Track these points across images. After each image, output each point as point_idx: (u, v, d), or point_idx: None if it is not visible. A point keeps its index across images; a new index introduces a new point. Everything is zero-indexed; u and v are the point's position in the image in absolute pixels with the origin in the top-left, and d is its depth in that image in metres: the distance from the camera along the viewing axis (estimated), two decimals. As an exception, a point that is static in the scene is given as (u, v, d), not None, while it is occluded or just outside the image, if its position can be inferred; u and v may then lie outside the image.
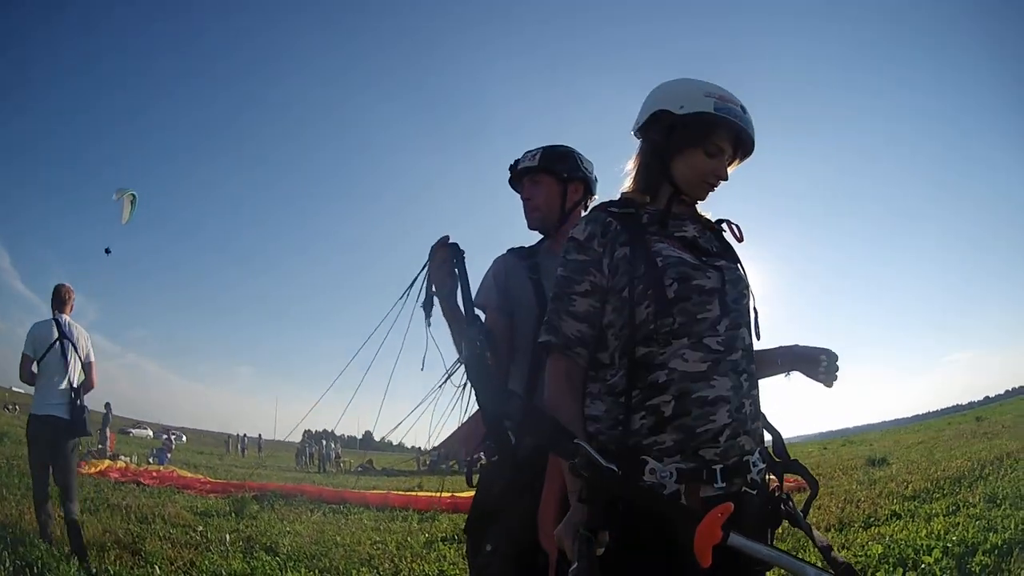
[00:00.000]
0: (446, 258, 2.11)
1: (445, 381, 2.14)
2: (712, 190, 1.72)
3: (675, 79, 1.74)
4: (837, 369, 1.73)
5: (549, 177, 2.22)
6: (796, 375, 1.80)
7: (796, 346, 1.80)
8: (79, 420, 5.00)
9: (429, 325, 2.12)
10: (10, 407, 36.53)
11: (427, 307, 2.12)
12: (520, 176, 2.27)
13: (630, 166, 1.80)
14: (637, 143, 1.79)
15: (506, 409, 1.52)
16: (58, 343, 5.04)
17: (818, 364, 1.73)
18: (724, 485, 1.46)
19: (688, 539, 1.22)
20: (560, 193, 2.22)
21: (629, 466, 1.43)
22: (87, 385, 5.19)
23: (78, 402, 5.02)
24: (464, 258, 2.13)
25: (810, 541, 1.53)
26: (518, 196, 2.33)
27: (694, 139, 1.65)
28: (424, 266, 2.14)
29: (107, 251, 16.40)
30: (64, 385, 5.00)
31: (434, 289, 2.11)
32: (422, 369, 2.16)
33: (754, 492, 1.51)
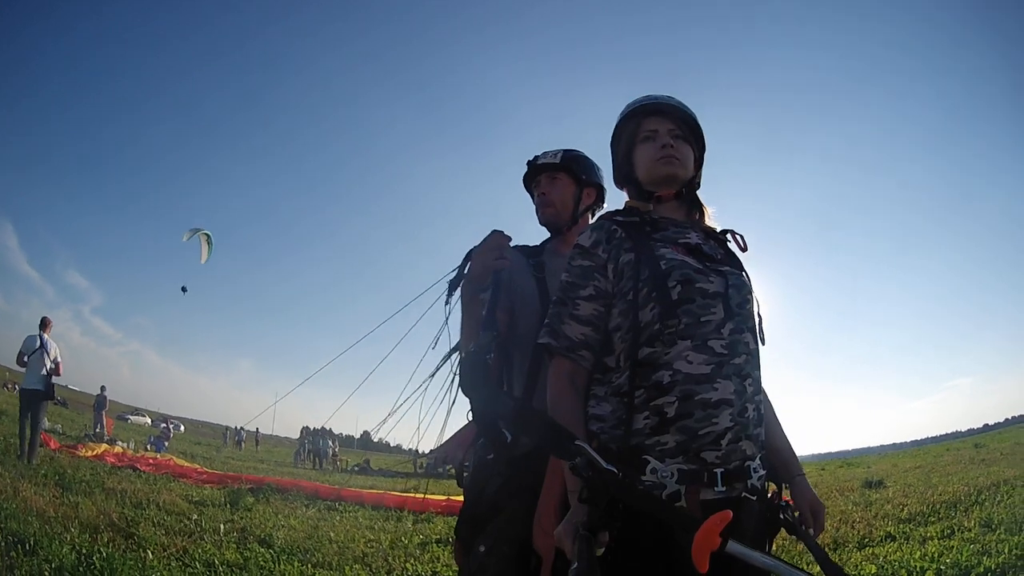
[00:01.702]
0: (504, 246, 2.04)
1: (436, 371, 2.13)
2: (672, 162, 1.75)
3: None
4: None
5: (567, 176, 2.25)
6: None
7: (808, 492, 1.77)
8: (49, 391, 9.42)
9: (448, 303, 2.09)
10: (9, 386, 36.83)
11: (453, 286, 2.08)
12: (537, 172, 2.29)
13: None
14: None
15: (499, 410, 1.52)
16: (39, 350, 9.21)
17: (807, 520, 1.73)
18: (724, 489, 1.47)
19: (686, 545, 1.23)
20: (575, 194, 2.25)
21: (630, 465, 1.44)
22: (55, 372, 9.38)
23: (49, 380, 9.29)
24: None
25: (809, 550, 1.52)
26: (526, 198, 2.35)
27: (627, 140, 1.82)
28: (469, 254, 2.06)
29: (183, 289, 17.66)
30: (42, 372, 9.19)
31: (467, 271, 2.05)
32: (433, 347, 2.14)
33: (754, 498, 1.52)
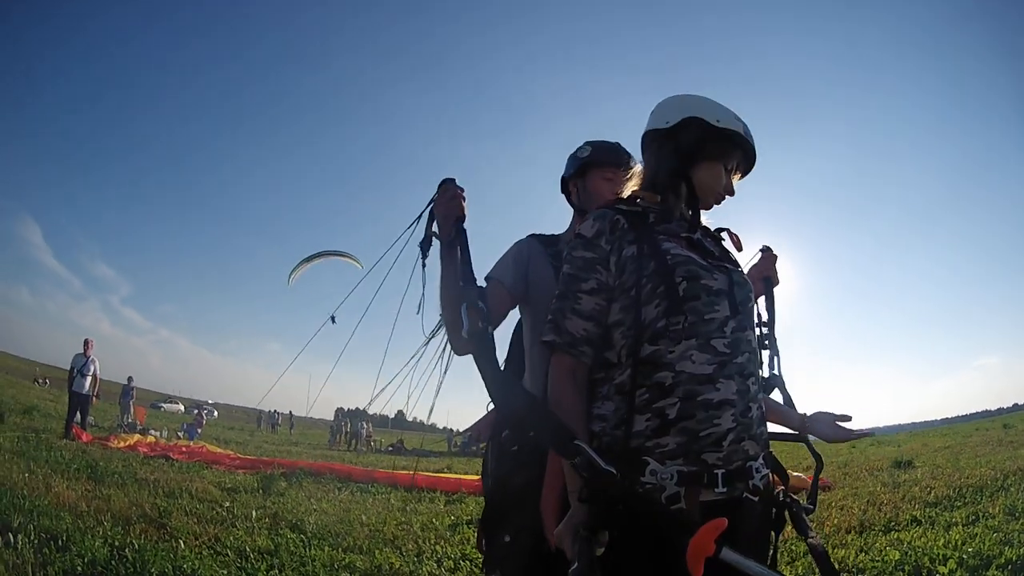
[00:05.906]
0: (457, 195, 1.90)
1: (428, 341, 2.13)
2: (718, 204, 1.76)
3: (699, 95, 1.75)
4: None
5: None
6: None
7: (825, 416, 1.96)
8: (91, 393, 13.62)
9: (424, 266, 2.00)
10: (40, 380, 37.79)
11: (424, 247, 1.99)
12: (585, 169, 2.22)
13: (640, 165, 1.84)
14: (650, 142, 1.81)
15: (513, 404, 1.54)
16: (82, 366, 13.37)
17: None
18: (725, 490, 1.46)
19: (681, 549, 1.25)
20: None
21: (630, 467, 1.44)
22: (95, 382, 13.63)
23: (93, 385, 13.60)
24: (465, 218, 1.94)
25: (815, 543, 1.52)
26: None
27: (721, 153, 1.70)
28: (430, 202, 1.95)
29: (332, 319, 18.35)
30: (85, 380, 13.39)
31: (435, 229, 1.95)
32: (417, 312, 2.07)
33: (755, 498, 1.52)
